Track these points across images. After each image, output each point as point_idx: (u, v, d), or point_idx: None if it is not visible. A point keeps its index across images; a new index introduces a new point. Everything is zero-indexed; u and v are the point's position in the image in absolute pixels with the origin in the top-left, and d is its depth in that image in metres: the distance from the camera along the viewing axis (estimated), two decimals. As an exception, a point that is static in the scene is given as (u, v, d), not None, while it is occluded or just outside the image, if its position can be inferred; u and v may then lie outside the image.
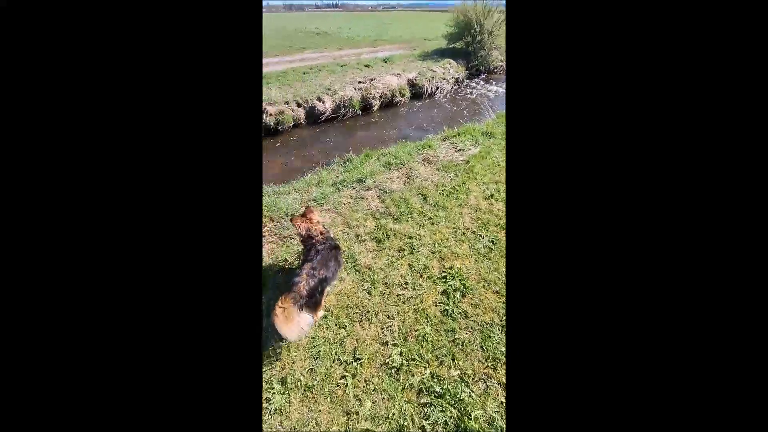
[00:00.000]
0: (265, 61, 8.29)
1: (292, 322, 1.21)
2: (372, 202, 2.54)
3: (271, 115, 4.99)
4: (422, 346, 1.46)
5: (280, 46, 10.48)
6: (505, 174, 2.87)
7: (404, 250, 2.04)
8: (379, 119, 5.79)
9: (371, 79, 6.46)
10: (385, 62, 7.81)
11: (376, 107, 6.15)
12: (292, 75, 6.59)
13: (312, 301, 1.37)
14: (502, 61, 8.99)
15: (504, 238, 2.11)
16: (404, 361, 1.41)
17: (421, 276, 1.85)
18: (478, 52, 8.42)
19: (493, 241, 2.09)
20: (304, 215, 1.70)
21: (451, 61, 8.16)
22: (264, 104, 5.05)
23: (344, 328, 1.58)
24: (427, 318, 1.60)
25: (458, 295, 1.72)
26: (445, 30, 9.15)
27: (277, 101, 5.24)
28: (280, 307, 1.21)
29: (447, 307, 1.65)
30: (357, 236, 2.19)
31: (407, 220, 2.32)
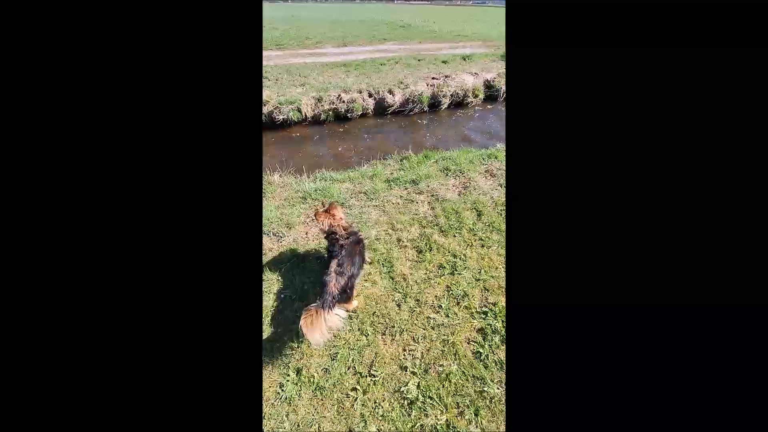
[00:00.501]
0: (347, 49, 8.62)
1: (318, 328, 1.25)
2: (421, 207, 2.39)
3: (343, 102, 5.15)
4: (444, 387, 1.30)
5: (365, 36, 10.76)
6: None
7: (445, 268, 1.86)
8: (446, 119, 5.51)
9: (446, 76, 6.16)
10: (465, 60, 7.36)
11: (445, 106, 5.85)
12: (370, 65, 6.69)
13: (344, 297, 1.41)
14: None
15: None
16: (420, 396, 1.27)
17: (458, 303, 1.66)
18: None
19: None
20: (327, 211, 1.69)
21: (541, 64, 7.24)
22: (339, 91, 5.24)
23: (366, 336, 1.50)
24: (455, 355, 1.42)
25: (497, 339, 1.48)
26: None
27: (351, 89, 5.37)
28: (308, 314, 1.26)
29: (481, 350, 1.44)
30: (398, 240, 2.08)
31: (455, 236, 2.11)
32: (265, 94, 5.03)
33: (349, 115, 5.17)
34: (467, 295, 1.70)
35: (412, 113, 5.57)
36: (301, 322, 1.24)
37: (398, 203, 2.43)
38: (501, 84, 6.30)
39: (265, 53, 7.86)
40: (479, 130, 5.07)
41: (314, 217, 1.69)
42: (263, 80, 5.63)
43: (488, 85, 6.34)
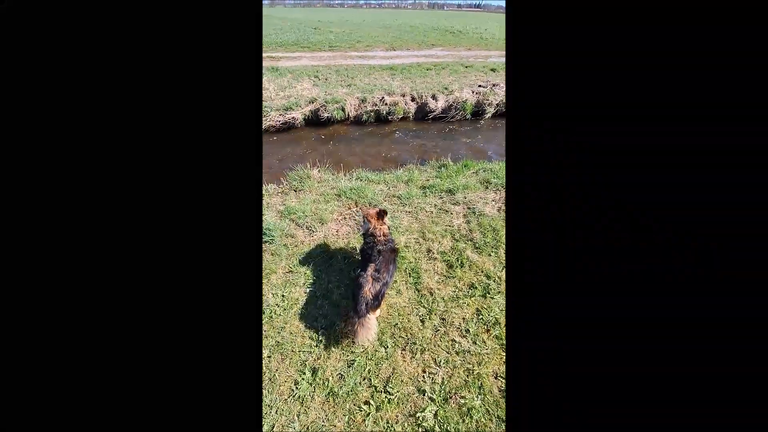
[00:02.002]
0: (395, 53, 8.69)
1: (370, 330, 1.37)
2: (456, 219, 2.26)
3: (385, 104, 5.17)
4: (464, 421, 1.18)
5: (414, 41, 10.78)
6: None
7: (476, 288, 1.72)
8: (489, 129, 5.25)
9: (493, 85, 5.89)
10: (517, 69, 6.98)
11: (489, 115, 5.59)
12: (416, 70, 6.65)
13: (376, 303, 1.39)
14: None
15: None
16: (437, 428, 1.16)
17: (487, 331, 1.52)
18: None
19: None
20: (379, 215, 1.67)
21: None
22: (383, 93, 5.27)
23: (385, 348, 1.43)
24: (480, 389, 1.28)
25: (532, 376, 1.31)
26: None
27: (395, 92, 5.38)
28: (361, 319, 1.34)
29: (512, 386, 1.28)
30: (428, 251, 1.98)
31: (490, 254, 1.95)
32: (314, 92, 5.22)
33: (390, 117, 5.17)
34: (498, 323, 1.54)
35: (453, 120, 5.41)
36: (357, 328, 1.34)
37: (432, 212, 2.32)
38: (554, 96, 5.86)
39: (316, 54, 8.22)
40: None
41: (364, 217, 1.69)
42: (314, 79, 5.86)
43: (540, 97, 5.94)
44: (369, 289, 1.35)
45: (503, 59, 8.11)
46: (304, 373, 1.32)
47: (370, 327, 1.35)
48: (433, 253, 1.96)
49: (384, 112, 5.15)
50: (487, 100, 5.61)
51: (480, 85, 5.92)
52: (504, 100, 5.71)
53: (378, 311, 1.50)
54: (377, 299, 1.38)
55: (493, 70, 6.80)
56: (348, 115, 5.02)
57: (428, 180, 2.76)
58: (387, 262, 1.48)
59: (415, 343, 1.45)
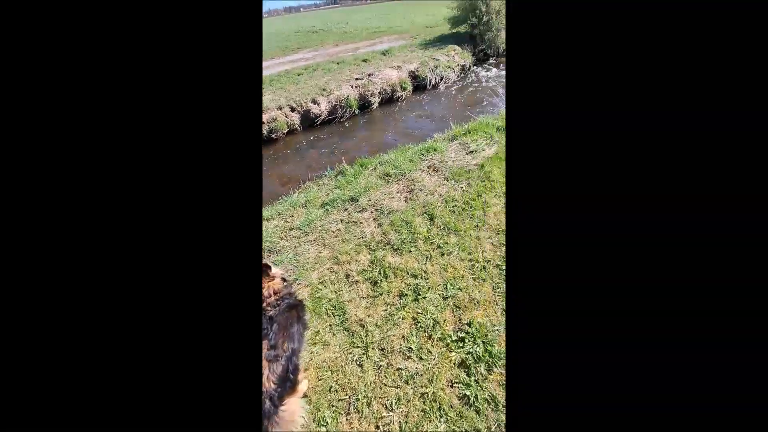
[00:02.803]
0: (259, 64, 7.96)
1: (292, 423, 1.06)
2: (367, 227, 2.09)
3: (263, 123, 4.62)
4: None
5: (277, 49, 10.12)
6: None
7: (407, 295, 1.59)
8: (381, 118, 5.31)
9: (369, 75, 5.96)
10: (384, 55, 7.27)
11: (376, 105, 5.66)
12: (286, 78, 6.20)
13: (287, 386, 1.05)
14: (512, 43, 8.19)
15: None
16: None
17: (429, 337, 1.39)
18: (484, 35, 7.68)
19: (523, 278, 1.60)
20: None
21: (456, 47, 7.48)
22: (254, 112, 4.69)
23: (324, 426, 1.15)
24: (440, 410, 1.14)
25: (482, 368, 1.24)
26: (448, 13, 8.46)
27: (270, 107, 4.86)
28: (272, 419, 0.99)
29: (468, 391, 1.18)
30: (347, 276, 1.75)
31: (410, 250, 1.85)
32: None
33: (273, 135, 4.67)
34: (437, 323, 1.44)
35: (343, 119, 5.26)
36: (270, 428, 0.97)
37: (339, 230, 2.09)
38: (426, 73, 6.31)
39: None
40: (413, 123, 4.96)
41: None
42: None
43: (413, 76, 6.30)
44: (268, 377, 1.01)
45: (372, 48, 8.35)
46: None
47: (289, 420, 1.03)
48: (353, 275, 1.74)
49: (265, 132, 4.62)
50: (369, 90, 5.64)
51: (357, 78, 5.91)
52: (384, 87, 5.85)
53: (301, 388, 1.20)
54: (286, 381, 1.06)
55: (365, 60, 6.89)
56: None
57: (328, 194, 2.51)
58: (285, 327, 1.15)
59: (358, 399, 1.21)
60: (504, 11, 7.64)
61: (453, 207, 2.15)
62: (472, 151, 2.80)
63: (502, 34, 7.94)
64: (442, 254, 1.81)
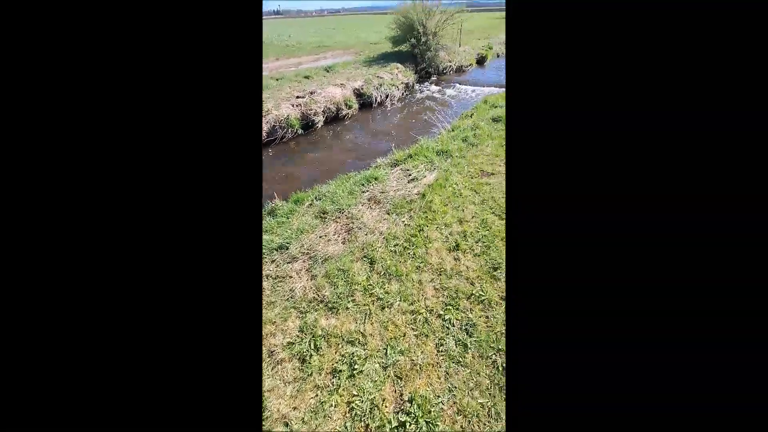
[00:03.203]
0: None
1: None
2: (298, 281, 1.82)
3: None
4: None
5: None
6: (470, 207, 2.32)
7: (341, 372, 1.35)
8: (325, 138, 5.08)
9: (311, 93, 5.70)
10: (328, 71, 7.11)
11: (320, 124, 5.42)
12: (217, 95, 5.60)
13: None
14: (450, 62, 8.74)
15: (482, 321, 1.52)
16: None
17: (366, 428, 1.17)
18: (425, 54, 8.05)
19: (467, 329, 1.49)
20: None
21: (399, 65, 7.67)
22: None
23: None
24: None
25: (425, 465, 1.06)
26: (388, 33, 8.71)
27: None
28: None
29: (408, 505, 0.98)
30: (270, 354, 1.45)
31: (347, 307, 1.63)
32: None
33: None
34: (376, 406, 1.23)
35: (285, 140, 4.90)
36: None
37: (264, 289, 1.78)
38: (371, 90, 6.28)
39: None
40: (362, 139, 4.84)
41: None
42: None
43: (358, 94, 6.23)
44: None
45: (316, 63, 8.12)
46: None
47: None
48: (277, 353, 1.45)
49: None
50: (311, 110, 5.38)
51: (298, 96, 5.60)
52: (328, 106, 5.64)
53: None
54: None
55: (306, 77, 6.62)
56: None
57: (255, 240, 2.17)
58: None
59: None
60: (440, 32, 8.12)
61: (395, 246, 2.01)
62: (413, 179, 2.73)
63: (441, 54, 8.42)
64: (383, 308, 1.62)
